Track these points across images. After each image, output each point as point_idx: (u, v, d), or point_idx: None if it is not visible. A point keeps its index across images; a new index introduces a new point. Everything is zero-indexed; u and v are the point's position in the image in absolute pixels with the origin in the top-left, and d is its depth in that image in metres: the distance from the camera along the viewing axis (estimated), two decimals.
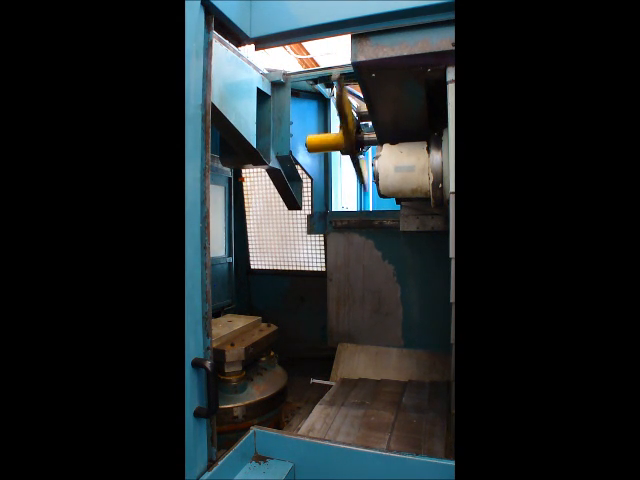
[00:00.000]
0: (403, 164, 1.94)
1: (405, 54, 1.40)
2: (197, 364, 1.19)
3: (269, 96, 2.48)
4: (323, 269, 3.40)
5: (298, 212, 3.47)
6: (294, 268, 3.62)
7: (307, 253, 3.56)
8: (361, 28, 1.42)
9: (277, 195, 3.55)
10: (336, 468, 1.38)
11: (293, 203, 3.06)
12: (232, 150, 2.52)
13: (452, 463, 1.24)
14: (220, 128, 2.08)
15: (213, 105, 1.76)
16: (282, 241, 3.63)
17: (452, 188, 1.40)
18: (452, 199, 1.40)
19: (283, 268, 3.67)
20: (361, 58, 1.45)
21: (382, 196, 2.14)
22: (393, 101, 1.78)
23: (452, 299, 1.39)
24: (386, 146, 2.04)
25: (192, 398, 1.19)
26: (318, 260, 3.51)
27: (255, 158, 2.44)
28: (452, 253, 1.40)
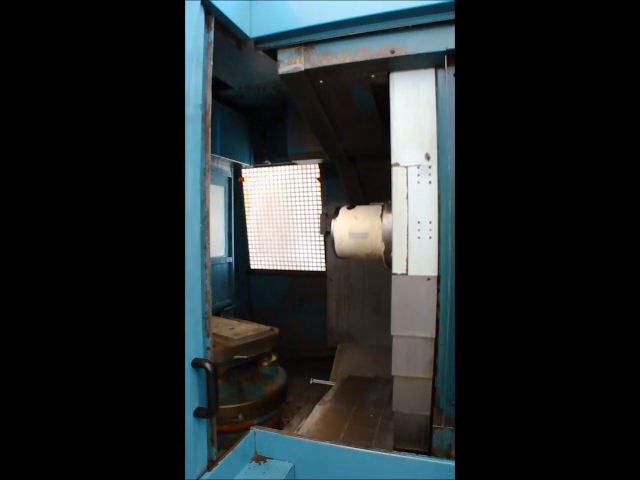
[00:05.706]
0: (357, 231, 1.93)
1: (348, 62, 1.47)
2: (197, 364, 1.19)
3: None
4: (323, 269, 3.40)
5: (297, 212, 3.48)
6: (294, 268, 3.62)
7: (307, 253, 3.56)
8: (355, 29, 1.42)
9: (277, 195, 3.55)
10: (336, 468, 1.38)
11: None
12: None
13: (452, 463, 1.25)
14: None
15: None
16: (282, 241, 3.64)
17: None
18: (394, 280, 1.50)
19: (283, 268, 3.67)
20: (307, 66, 1.52)
21: (339, 257, 2.10)
22: (344, 105, 1.84)
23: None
24: (342, 210, 2.03)
25: (192, 398, 1.19)
26: (318, 260, 3.51)
27: None
28: (393, 331, 1.50)
